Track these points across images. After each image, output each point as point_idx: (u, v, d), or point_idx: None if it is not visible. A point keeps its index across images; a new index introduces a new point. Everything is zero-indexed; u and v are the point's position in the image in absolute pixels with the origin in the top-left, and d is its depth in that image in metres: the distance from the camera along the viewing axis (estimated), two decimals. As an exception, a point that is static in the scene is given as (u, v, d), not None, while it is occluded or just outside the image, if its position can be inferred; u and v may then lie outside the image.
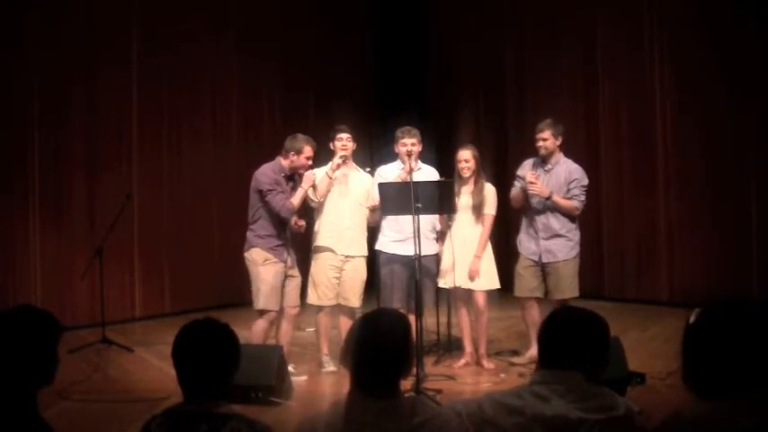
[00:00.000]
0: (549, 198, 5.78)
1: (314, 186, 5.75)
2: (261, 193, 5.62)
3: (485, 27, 10.46)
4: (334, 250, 5.82)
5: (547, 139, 5.85)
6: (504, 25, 10.37)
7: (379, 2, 11.02)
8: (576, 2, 9.44)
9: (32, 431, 2.13)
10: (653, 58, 8.57)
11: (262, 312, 5.62)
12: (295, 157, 5.65)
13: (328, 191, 5.81)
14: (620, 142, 9.02)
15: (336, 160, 5.76)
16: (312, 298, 5.87)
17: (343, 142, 5.83)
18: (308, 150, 5.65)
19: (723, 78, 7.85)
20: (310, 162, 5.68)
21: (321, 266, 5.84)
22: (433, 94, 10.99)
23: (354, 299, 5.88)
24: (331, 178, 5.77)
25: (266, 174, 5.66)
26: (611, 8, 9.05)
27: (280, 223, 5.65)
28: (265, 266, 5.60)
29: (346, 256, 5.85)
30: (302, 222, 5.77)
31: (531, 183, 5.76)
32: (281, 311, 5.74)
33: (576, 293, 5.88)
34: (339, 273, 5.84)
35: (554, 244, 5.85)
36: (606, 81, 9.11)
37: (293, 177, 5.78)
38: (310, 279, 5.87)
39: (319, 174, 5.86)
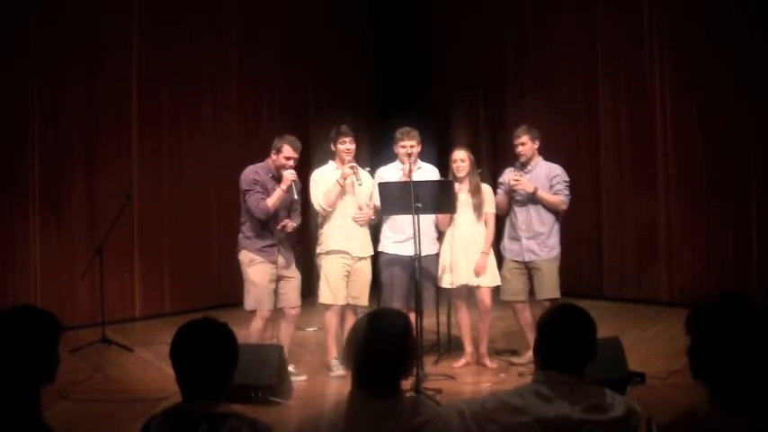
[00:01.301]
0: (534, 193, 5.84)
1: (291, 188, 5.61)
2: (241, 193, 5.64)
3: (485, 27, 10.46)
4: (350, 252, 5.81)
5: (525, 143, 5.97)
6: (504, 25, 10.37)
7: (379, 2, 11.03)
8: (576, 2, 9.45)
9: (32, 431, 2.13)
10: (653, 58, 8.57)
11: (254, 313, 5.61)
12: (275, 156, 5.63)
13: (337, 199, 5.79)
14: (620, 142, 9.01)
15: (347, 170, 5.73)
16: (326, 297, 5.81)
17: (347, 145, 5.79)
18: (286, 150, 5.58)
19: (723, 78, 7.85)
20: (290, 162, 5.59)
21: (335, 266, 5.80)
22: (432, 93, 10.99)
23: (364, 298, 5.89)
24: (342, 186, 5.76)
25: (247, 174, 5.64)
26: (611, 8, 9.05)
27: (266, 224, 5.61)
28: (252, 267, 5.59)
29: (359, 258, 5.85)
30: (285, 222, 5.63)
31: (516, 180, 5.84)
32: (280, 312, 5.73)
33: (557, 295, 5.91)
34: (348, 272, 5.83)
35: (536, 243, 5.92)
36: (606, 81, 9.11)
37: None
38: (323, 278, 5.83)
39: (321, 174, 5.86)
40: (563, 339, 2.34)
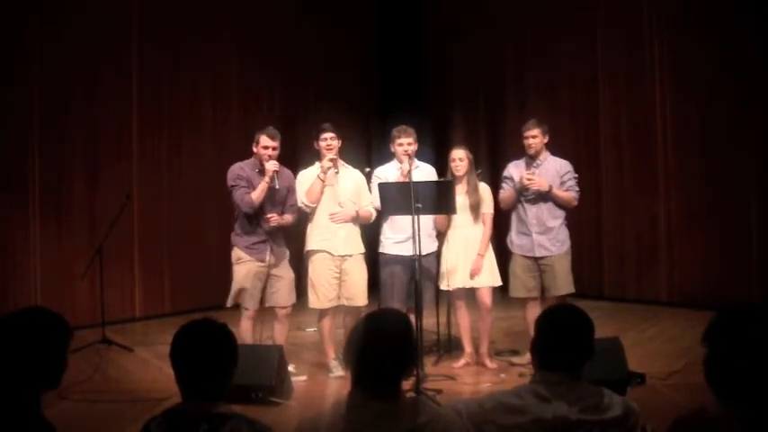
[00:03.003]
0: (549, 191, 5.81)
1: (273, 178, 5.56)
2: (228, 190, 5.66)
3: (485, 27, 10.46)
4: (330, 252, 5.74)
5: (536, 136, 5.94)
6: (504, 25, 10.36)
7: (379, 2, 11.02)
8: (576, 2, 9.44)
9: (34, 430, 2.12)
10: (653, 58, 8.57)
11: (241, 309, 5.63)
12: (255, 149, 5.68)
13: (321, 194, 5.74)
14: (620, 142, 9.01)
15: (326, 164, 5.68)
16: (313, 301, 5.77)
17: (328, 142, 5.74)
18: (263, 140, 5.62)
19: (723, 78, 7.85)
20: (269, 152, 5.59)
21: (319, 269, 5.75)
22: (432, 93, 10.98)
23: (358, 298, 5.81)
24: (322, 181, 5.71)
25: (232, 171, 5.68)
26: (611, 8, 9.05)
27: (255, 220, 5.61)
28: (238, 265, 5.62)
29: (343, 256, 5.78)
30: (272, 215, 5.59)
31: (529, 179, 5.80)
32: (271, 312, 5.73)
33: (572, 289, 5.88)
34: (338, 273, 5.76)
35: (546, 239, 5.88)
36: (606, 81, 9.11)
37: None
38: (309, 282, 5.78)
39: (305, 175, 5.82)
40: (560, 339, 2.33)
